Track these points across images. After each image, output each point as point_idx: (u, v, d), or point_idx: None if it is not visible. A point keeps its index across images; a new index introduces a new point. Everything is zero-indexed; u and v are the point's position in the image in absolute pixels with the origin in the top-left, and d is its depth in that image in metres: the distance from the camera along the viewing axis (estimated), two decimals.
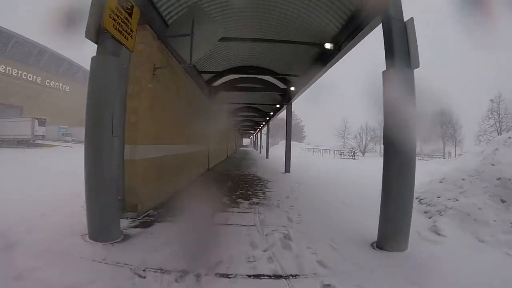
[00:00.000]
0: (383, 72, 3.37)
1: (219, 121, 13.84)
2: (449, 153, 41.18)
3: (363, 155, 42.48)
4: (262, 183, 7.87)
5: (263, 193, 6.25)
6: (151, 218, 4.07)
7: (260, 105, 16.16)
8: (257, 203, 5.22)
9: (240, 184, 7.50)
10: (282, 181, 8.21)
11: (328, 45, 5.88)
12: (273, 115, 17.32)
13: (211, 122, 10.77)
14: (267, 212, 4.63)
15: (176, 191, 5.81)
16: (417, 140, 3.23)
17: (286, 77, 9.24)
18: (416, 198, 4.65)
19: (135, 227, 3.67)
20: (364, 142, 47.59)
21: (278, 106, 13.21)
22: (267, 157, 20.90)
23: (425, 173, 5.54)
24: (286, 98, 10.61)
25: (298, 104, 15.66)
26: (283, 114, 22.19)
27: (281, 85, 10.58)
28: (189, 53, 4.42)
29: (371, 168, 16.80)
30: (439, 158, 34.44)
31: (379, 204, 3.25)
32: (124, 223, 3.79)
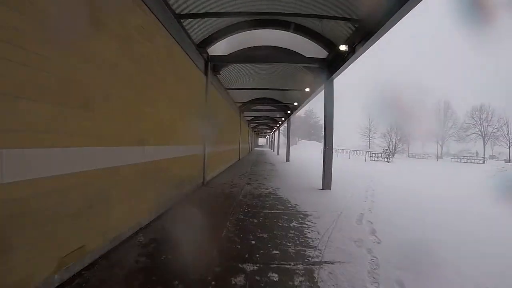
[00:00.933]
0: None
1: (225, 112, 10.04)
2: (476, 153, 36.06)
3: (393, 157, 37.71)
4: (295, 222, 3.98)
5: (309, 280, 2.37)
6: None
7: (281, 92, 12.25)
8: None
9: (250, 229, 3.64)
10: (331, 214, 4.32)
11: None
12: (297, 106, 13.34)
13: (211, 112, 7.03)
14: None
15: (102, 255, 2.10)
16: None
17: (342, 21, 5.20)
18: None
19: None
20: (394, 142, 42.33)
21: (307, 90, 9.23)
22: (287, 160, 16.96)
23: None
24: (325, 72, 6.68)
25: (315, 101, 11.74)
26: (301, 111, 18.23)
27: (317, 51, 6.66)
28: None
29: (425, 177, 12.58)
30: (476, 160, 29.17)
31: None
32: None
